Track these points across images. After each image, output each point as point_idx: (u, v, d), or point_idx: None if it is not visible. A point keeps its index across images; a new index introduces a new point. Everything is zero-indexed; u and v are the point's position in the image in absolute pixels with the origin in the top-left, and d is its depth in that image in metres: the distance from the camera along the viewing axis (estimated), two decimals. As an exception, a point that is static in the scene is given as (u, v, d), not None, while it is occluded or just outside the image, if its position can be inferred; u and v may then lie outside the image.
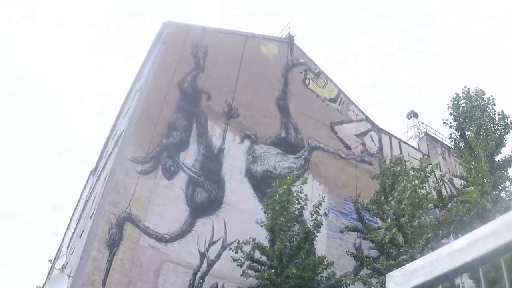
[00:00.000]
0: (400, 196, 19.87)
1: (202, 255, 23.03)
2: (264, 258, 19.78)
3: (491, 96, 22.19)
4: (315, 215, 20.29)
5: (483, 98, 22.02)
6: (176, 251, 22.59)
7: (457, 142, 22.07)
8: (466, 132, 21.60)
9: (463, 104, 22.01)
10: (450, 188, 28.73)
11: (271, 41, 34.11)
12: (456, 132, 22.08)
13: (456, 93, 22.37)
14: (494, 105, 21.98)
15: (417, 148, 37.73)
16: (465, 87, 22.49)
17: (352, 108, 35.27)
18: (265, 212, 20.77)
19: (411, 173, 20.69)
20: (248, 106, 29.23)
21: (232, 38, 31.75)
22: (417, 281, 2.15)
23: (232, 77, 29.68)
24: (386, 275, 2.36)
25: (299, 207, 20.23)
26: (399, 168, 21.51)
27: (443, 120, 22.37)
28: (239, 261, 19.61)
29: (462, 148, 21.60)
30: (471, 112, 21.55)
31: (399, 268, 2.31)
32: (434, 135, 39.47)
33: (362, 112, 35.73)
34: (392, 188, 20.86)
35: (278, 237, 19.15)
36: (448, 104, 22.29)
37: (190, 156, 25.50)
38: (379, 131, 35.83)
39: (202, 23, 33.05)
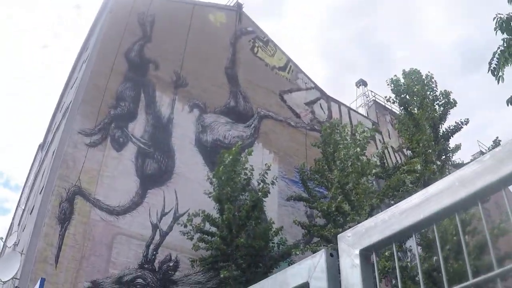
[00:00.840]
0: (343, 164, 20.03)
1: (155, 227, 22.92)
2: (214, 229, 19.82)
3: (429, 72, 22.57)
4: (262, 184, 20.37)
5: (421, 75, 22.35)
6: (128, 223, 22.44)
7: (401, 118, 22.38)
8: (410, 107, 21.89)
9: (403, 82, 22.30)
10: (400, 157, 29.17)
11: (219, 10, 33.79)
12: (400, 108, 22.39)
13: (395, 75, 22.66)
14: (433, 77, 22.31)
15: (366, 116, 38.11)
16: (403, 70, 22.78)
17: (301, 76, 35.31)
18: (211, 183, 20.73)
19: (349, 140, 20.90)
20: (196, 75, 28.97)
21: (180, 6, 31.31)
22: (370, 241, 2.10)
23: (180, 46, 29.35)
24: (338, 235, 2.29)
25: (245, 177, 20.25)
26: (338, 135, 21.66)
27: (385, 97, 22.68)
28: (188, 234, 19.63)
29: (406, 122, 21.87)
30: (412, 88, 21.87)
31: (351, 228, 2.25)
32: (383, 103, 39.86)
33: (311, 81, 35.81)
34: (334, 156, 21.03)
35: (226, 207, 19.17)
36: (387, 82, 22.58)
37: (139, 127, 25.22)
38: (329, 99, 36.02)
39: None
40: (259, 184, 20.48)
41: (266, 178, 20.55)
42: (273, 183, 21.07)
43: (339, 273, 2.20)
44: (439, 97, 21.79)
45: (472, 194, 1.73)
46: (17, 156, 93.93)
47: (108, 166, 23.18)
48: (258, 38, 34.46)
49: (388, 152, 27.83)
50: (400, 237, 2.02)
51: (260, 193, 20.23)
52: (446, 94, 21.76)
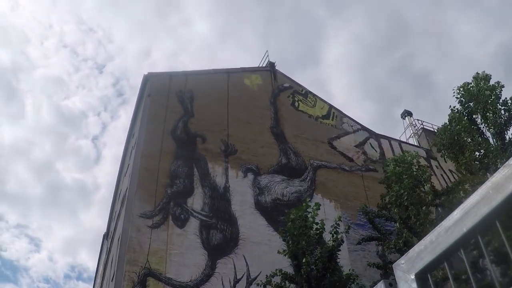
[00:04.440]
0: (400, 199, 19.71)
1: (230, 295, 22.89)
2: (293, 286, 19.63)
3: (499, 82, 21.61)
4: (335, 235, 20.04)
5: (489, 80, 21.38)
6: (204, 296, 22.47)
7: (462, 129, 21.55)
8: (473, 116, 21.21)
9: (472, 88, 21.34)
10: (454, 178, 28.58)
11: (253, 72, 34.30)
12: (464, 117, 21.54)
13: (465, 82, 21.77)
14: (503, 87, 21.38)
15: (418, 145, 37.72)
16: (477, 73, 21.88)
17: (346, 120, 35.34)
18: (284, 240, 20.52)
19: (401, 171, 20.48)
20: (243, 140, 29.29)
21: (215, 77, 31.94)
22: (423, 263, 2.16)
23: (222, 115, 29.79)
24: (393, 264, 2.36)
25: (317, 232, 19.96)
26: (396, 168, 21.32)
27: (450, 106, 21.85)
28: None
29: (470, 130, 21.14)
30: (479, 95, 20.99)
31: (404, 255, 2.31)
32: (432, 129, 39.47)
33: (357, 122, 35.80)
34: (394, 190, 20.70)
35: (302, 262, 19.01)
36: (453, 90, 21.84)
37: (197, 201, 25.46)
38: (377, 137, 35.88)
39: (182, 69, 33.26)
40: (332, 235, 20.15)
41: (339, 229, 20.30)
42: (347, 232, 20.89)
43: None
44: (505, 102, 20.75)
45: (507, 198, 1.80)
46: (85, 248, 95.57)
47: (174, 244, 23.37)
48: (297, 92, 34.78)
49: (447, 176, 27.31)
50: (450, 254, 2.08)
51: (334, 243, 19.94)
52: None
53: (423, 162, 25.72)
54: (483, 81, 21.19)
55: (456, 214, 2.02)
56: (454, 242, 2.01)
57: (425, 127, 39.54)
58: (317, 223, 19.85)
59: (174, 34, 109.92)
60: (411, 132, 40.20)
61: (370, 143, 34.88)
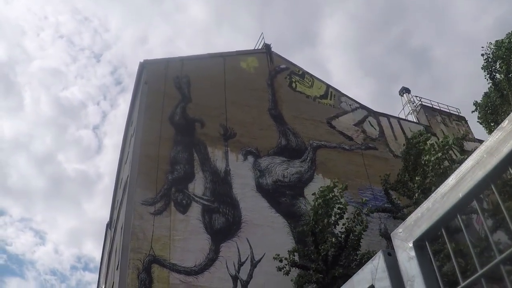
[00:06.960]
0: (424, 170, 19.72)
1: (235, 278, 22.94)
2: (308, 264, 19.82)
3: None
4: (358, 217, 20.04)
5: None
6: (209, 280, 22.49)
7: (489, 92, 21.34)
8: (496, 74, 21.09)
9: (504, 45, 20.92)
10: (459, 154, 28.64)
11: (249, 55, 34.21)
12: (487, 75, 21.40)
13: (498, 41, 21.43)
14: None
15: (417, 121, 37.72)
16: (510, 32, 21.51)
17: (344, 99, 35.30)
18: (309, 216, 20.48)
19: (433, 147, 20.42)
20: (242, 123, 29.25)
21: (211, 61, 31.86)
22: (420, 231, 2.15)
23: (220, 99, 29.73)
24: (391, 234, 2.36)
25: (339, 212, 19.92)
26: (421, 143, 21.38)
27: (482, 64, 21.46)
28: (284, 269, 19.54)
29: (492, 92, 21.05)
30: (506, 54, 20.61)
31: (401, 224, 2.31)
32: (430, 105, 39.43)
33: (355, 101, 35.76)
34: (416, 165, 20.73)
35: (321, 240, 19.10)
36: (486, 45, 21.58)
37: (198, 186, 25.47)
38: (376, 114, 35.86)
39: (179, 55, 33.18)
40: (355, 216, 20.12)
41: (362, 211, 20.36)
42: (368, 214, 20.94)
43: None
44: None
45: (501, 162, 1.80)
46: (91, 238, 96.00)
47: (177, 230, 23.41)
48: (293, 73, 34.72)
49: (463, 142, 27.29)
50: (446, 220, 2.07)
51: (354, 223, 19.93)
52: None
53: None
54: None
55: (452, 180, 2.01)
56: (451, 207, 2.01)
57: (423, 103, 39.49)
58: (340, 203, 19.88)
59: (169, 19, 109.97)
60: (410, 109, 40.19)
61: (369, 121, 34.86)
